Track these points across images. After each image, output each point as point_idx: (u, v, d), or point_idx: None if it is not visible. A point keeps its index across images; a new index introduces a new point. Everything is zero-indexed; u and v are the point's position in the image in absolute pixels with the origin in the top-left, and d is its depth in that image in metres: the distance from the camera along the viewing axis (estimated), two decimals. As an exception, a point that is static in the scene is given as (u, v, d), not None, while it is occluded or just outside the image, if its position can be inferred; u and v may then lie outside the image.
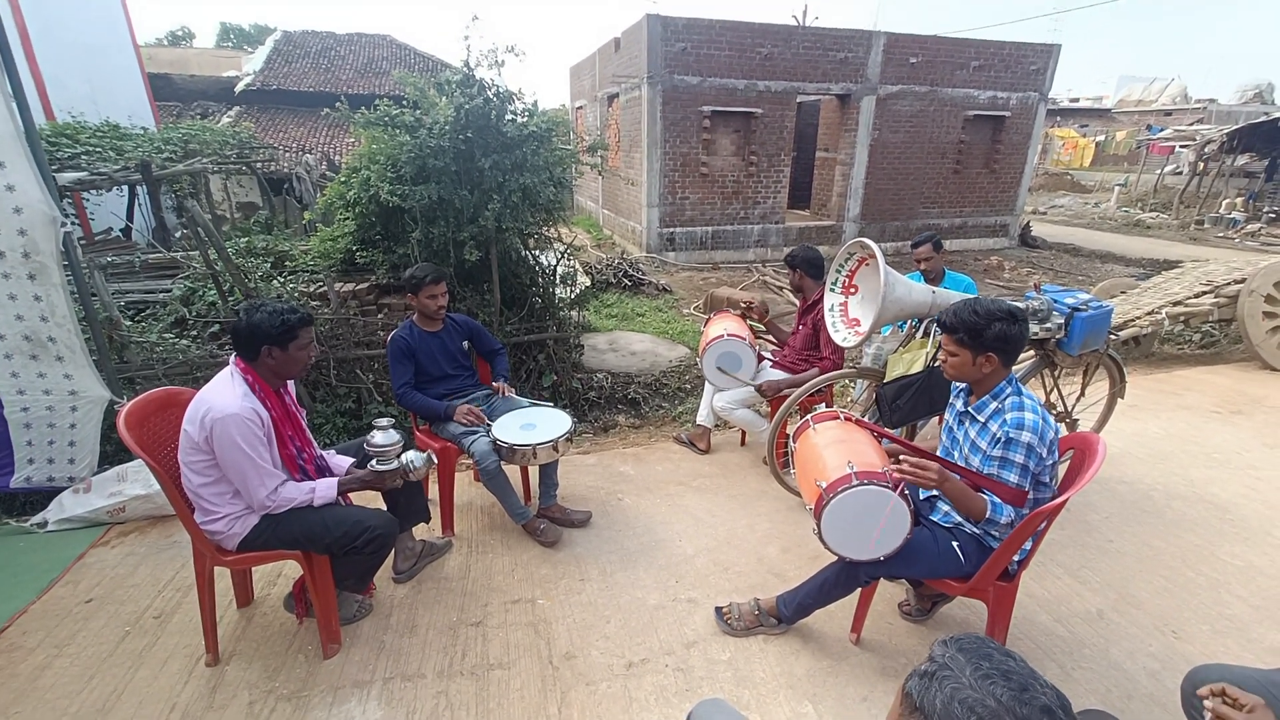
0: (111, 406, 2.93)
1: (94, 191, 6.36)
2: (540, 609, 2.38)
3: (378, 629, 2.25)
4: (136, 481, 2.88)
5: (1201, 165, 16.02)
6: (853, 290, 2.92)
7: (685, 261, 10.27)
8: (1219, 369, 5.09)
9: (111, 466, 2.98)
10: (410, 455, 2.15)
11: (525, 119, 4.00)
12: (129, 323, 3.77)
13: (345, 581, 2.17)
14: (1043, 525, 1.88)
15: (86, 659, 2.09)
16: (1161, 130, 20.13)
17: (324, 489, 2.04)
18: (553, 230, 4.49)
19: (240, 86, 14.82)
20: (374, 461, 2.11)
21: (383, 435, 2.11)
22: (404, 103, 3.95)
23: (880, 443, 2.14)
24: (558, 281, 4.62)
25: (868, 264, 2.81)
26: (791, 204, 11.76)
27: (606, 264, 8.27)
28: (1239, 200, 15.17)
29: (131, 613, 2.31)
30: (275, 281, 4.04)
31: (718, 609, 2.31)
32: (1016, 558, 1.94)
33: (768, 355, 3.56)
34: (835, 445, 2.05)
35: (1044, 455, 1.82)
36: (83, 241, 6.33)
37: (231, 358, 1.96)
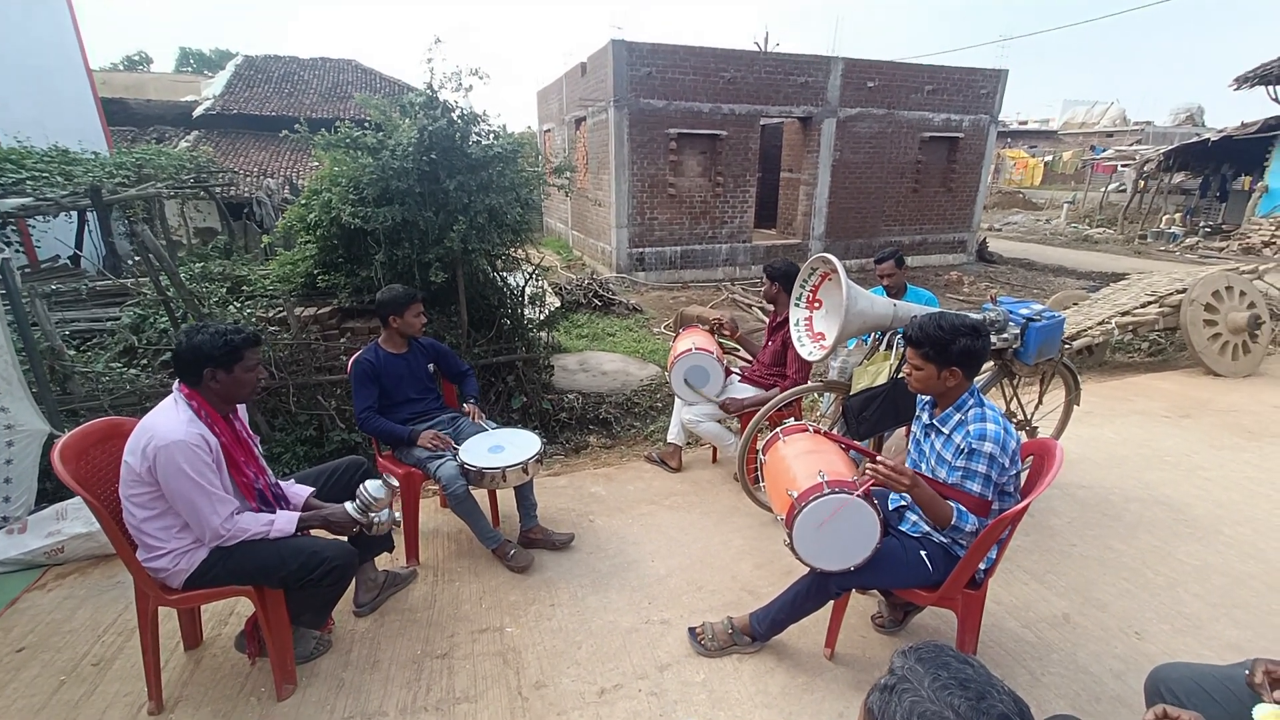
0: (51, 440, 2.78)
1: (40, 218, 6.12)
2: (509, 637, 2.30)
3: (337, 665, 2.15)
4: (77, 520, 2.72)
5: (1142, 183, 16.94)
6: (817, 305, 2.97)
7: (655, 281, 10.34)
8: (1167, 375, 5.31)
9: (50, 504, 2.81)
10: (383, 514, 2.09)
11: (491, 140, 4.00)
12: (73, 352, 3.61)
13: (301, 617, 2.07)
14: (1007, 532, 1.91)
15: (16, 712, 1.94)
16: (1104, 151, 21.26)
17: (283, 522, 1.95)
18: (521, 251, 4.47)
19: (199, 111, 14.55)
20: (352, 505, 2.04)
21: (379, 488, 2.07)
22: (367, 125, 3.92)
23: (849, 454, 2.16)
24: (526, 302, 4.59)
25: (830, 279, 2.86)
26: (758, 223, 11.98)
27: (576, 284, 8.27)
28: (1177, 215, 16.04)
29: (68, 660, 2.16)
30: (231, 307, 3.92)
31: (691, 629, 2.28)
32: (983, 565, 1.96)
33: (736, 370, 3.58)
34: (805, 456, 2.06)
35: (1006, 465, 1.84)
36: (27, 269, 6.08)
37: (175, 384, 1.88)
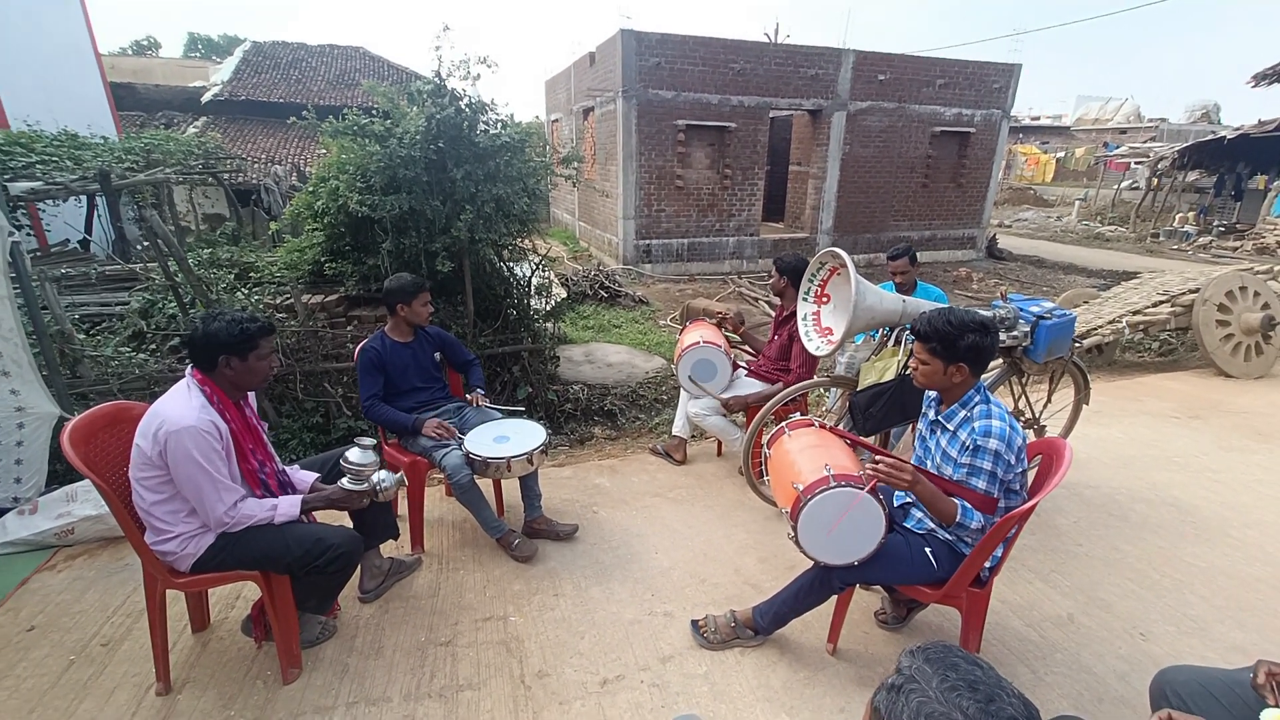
0: (61, 423, 2.80)
1: (50, 202, 6.14)
2: (512, 626, 2.31)
3: (341, 651, 2.17)
4: (87, 502, 2.74)
5: (1155, 181, 16.72)
6: (825, 299, 2.95)
7: (662, 273, 10.31)
8: (1177, 375, 5.26)
9: (60, 486, 2.84)
10: (381, 475, 2.08)
11: (499, 130, 3.98)
12: (83, 336, 3.63)
13: (307, 603, 2.08)
14: (1013, 530, 1.90)
15: (26, 692, 1.97)
16: (1117, 148, 20.98)
17: (286, 506, 1.96)
18: (527, 241, 4.46)
19: (207, 96, 14.54)
20: (345, 479, 2.04)
21: (360, 453, 2.04)
22: (374, 112, 3.90)
23: (854, 450, 2.15)
24: (533, 293, 4.58)
25: (839, 273, 2.84)
26: (766, 216, 11.91)
27: (583, 276, 8.25)
28: (1191, 214, 15.84)
29: (77, 641, 2.18)
30: (239, 293, 3.93)
31: (694, 622, 2.28)
32: (988, 564, 1.95)
33: (743, 364, 3.57)
34: (811, 450, 2.05)
35: (1012, 462, 1.83)
36: (37, 253, 6.11)
37: (188, 369, 1.89)
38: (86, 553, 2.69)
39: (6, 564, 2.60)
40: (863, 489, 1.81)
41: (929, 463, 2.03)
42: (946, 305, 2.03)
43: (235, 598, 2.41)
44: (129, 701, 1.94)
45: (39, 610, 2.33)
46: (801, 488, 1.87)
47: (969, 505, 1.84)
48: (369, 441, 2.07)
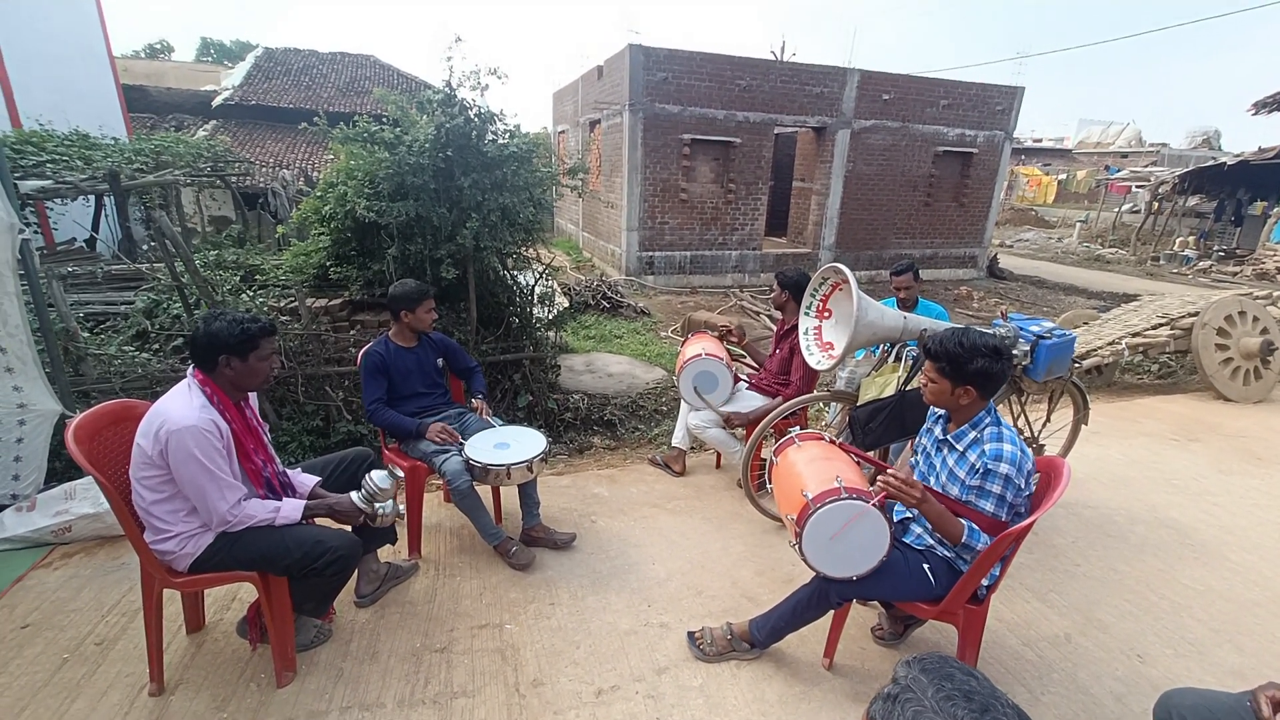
0: (63, 421, 2.81)
1: (59, 201, 6.20)
2: (508, 634, 2.31)
3: (336, 655, 2.16)
4: (85, 500, 2.74)
5: (1156, 205, 16.84)
6: (827, 315, 2.97)
7: (664, 285, 10.35)
8: (1176, 398, 5.27)
9: (59, 484, 2.84)
10: (388, 503, 2.11)
11: (506, 140, 4.03)
12: (87, 334, 3.64)
13: (304, 605, 2.08)
14: (1011, 548, 1.90)
15: (18, 690, 1.96)
16: (1119, 171, 21.17)
17: (289, 510, 1.97)
18: (532, 251, 4.49)
19: (218, 100, 14.69)
20: (358, 494, 2.06)
21: (385, 478, 2.08)
22: (384, 120, 3.95)
23: (860, 467, 2.15)
24: (536, 301, 4.61)
25: (841, 289, 2.86)
26: (769, 231, 11.99)
27: (585, 286, 8.29)
28: (1191, 238, 15.93)
29: (71, 639, 2.18)
30: (244, 295, 3.95)
31: (690, 634, 2.28)
32: (986, 581, 1.95)
33: (744, 377, 3.58)
34: (821, 461, 2.05)
35: (1022, 486, 1.83)
36: (43, 251, 6.14)
37: (189, 369, 1.90)
38: (83, 551, 2.68)
39: (3, 561, 2.59)
40: (872, 504, 1.82)
41: (932, 480, 2.03)
42: (961, 326, 2.02)
43: (231, 599, 2.41)
44: (122, 701, 1.93)
45: (34, 608, 2.33)
46: (811, 495, 1.87)
47: (975, 527, 1.83)
48: (400, 473, 2.13)
